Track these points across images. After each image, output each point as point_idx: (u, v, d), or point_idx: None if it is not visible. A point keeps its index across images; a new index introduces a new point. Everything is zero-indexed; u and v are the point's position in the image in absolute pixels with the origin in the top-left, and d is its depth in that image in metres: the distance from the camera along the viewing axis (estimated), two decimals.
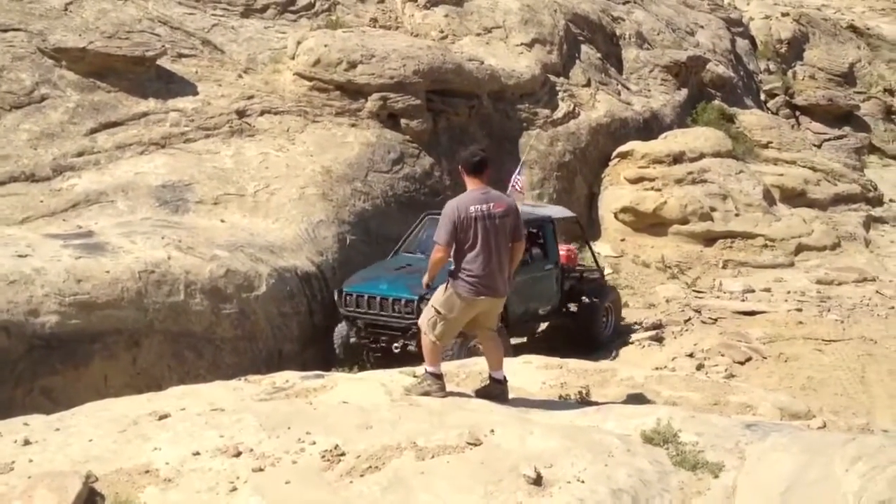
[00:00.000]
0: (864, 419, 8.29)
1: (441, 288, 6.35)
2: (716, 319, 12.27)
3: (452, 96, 14.83)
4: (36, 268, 7.78)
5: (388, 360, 9.52)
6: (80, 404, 6.19)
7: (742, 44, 26.32)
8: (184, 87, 12.73)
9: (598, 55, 19.66)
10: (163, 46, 12.98)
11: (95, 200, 10.38)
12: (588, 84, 18.39)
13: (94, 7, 13.47)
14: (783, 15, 28.97)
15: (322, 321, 10.34)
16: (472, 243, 6.21)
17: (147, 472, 4.62)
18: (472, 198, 6.25)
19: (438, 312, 6.32)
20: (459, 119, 14.79)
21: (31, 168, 10.60)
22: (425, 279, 6.48)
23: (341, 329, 10.07)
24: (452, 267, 6.29)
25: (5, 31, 12.11)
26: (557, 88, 17.40)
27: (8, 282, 7.45)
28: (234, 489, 4.45)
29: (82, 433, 5.21)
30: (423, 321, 6.42)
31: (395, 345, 9.74)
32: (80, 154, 11.06)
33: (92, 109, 11.71)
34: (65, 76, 11.92)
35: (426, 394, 6.43)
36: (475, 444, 5.08)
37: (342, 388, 6.64)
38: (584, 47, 19.42)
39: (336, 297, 10.06)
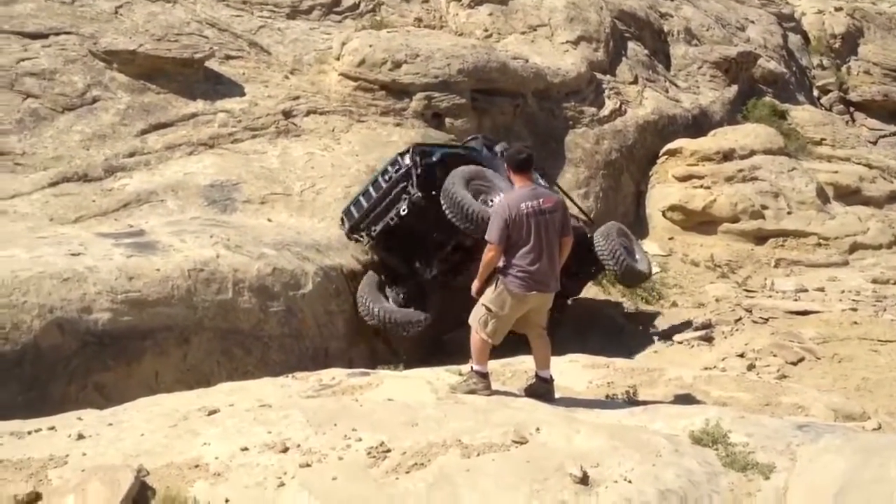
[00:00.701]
0: None
1: (490, 287, 6.34)
2: (767, 319, 12.06)
3: (497, 95, 14.79)
4: (89, 266, 7.91)
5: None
6: (131, 400, 6.30)
7: (794, 39, 25.88)
8: (231, 88, 12.88)
9: (646, 52, 19.48)
10: (211, 48, 13.14)
11: (146, 200, 10.53)
12: (635, 81, 18.23)
13: (144, 10, 13.69)
14: (836, 9, 28.38)
15: None
16: (525, 240, 6.21)
17: (197, 466, 4.68)
18: (521, 195, 6.26)
19: (489, 310, 6.32)
20: (504, 118, 14.75)
21: (83, 168, 10.79)
22: (476, 284, 6.44)
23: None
24: (502, 264, 6.28)
25: (57, 34, 12.35)
26: (604, 86, 17.27)
27: (62, 279, 7.57)
28: (282, 484, 4.49)
29: (134, 428, 5.30)
30: (474, 319, 6.41)
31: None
32: (131, 154, 11.23)
33: (142, 111, 11.89)
34: (115, 78, 12.12)
35: (472, 392, 6.43)
36: (521, 443, 5.06)
37: (388, 385, 6.66)
38: (630, 44, 19.26)
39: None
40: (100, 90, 11.90)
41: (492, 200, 9.50)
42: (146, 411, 5.75)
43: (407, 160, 10.16)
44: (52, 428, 5.34)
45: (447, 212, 9.43)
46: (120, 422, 5.48)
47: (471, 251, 9.40)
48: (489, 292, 6.34)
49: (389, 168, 10.46)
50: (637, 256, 11.92)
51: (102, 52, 12.20)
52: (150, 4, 13.88)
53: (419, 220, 9.96)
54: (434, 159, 10.20)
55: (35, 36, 12.21)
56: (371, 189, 10.55)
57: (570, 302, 12.13)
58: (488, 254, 6.24)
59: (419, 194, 9.85)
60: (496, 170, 10.09)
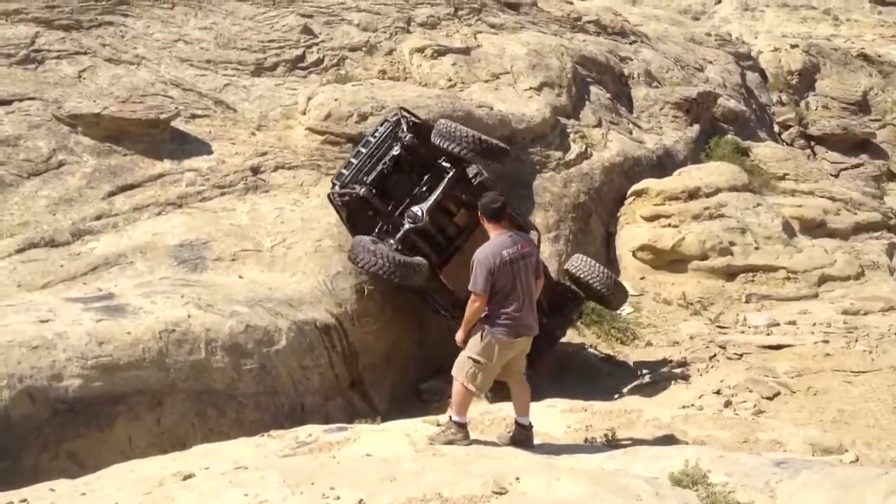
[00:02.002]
0: None
1: (476, 337, 6.35)
2: (741, 355, 12.13)
3: None
4: (58, 332, 7.81)
5: None
6: (105, 466, 6.22)
7: (752, 77, 26.40)
8: (198, 146, 12.87)
9: (608, 95, 19.75)
10: (176, 108, 13.15)
11: (115, 262, 10.43)
12: (599, 124, 18.46)
13: (107, 73, 13.70)
14: (792, 47, 29.07)
15: (343, 373, 10.32)
16: (510, 287, 6.27)
17: None
18: (501, 242, 6.34)
19: (478, 362, 6.33)
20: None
21: (50, 233, 10.69)
22: (460, 335, 6.47)
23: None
24: (485, 314, 6.31)
25: (21, 100, 12.31)
26: (568, 130, 17.47)
27: (31, 347, 7.47)
28: None
29: (108, 497, 5.22)
30: (460, 372, 6.40)
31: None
32: (98, 217, 11.15)
33: (109, 173, 11.84)
34: (81, 142, 12.07)
35: (450, 442, 6.41)
36: (501, 493, 5.03)
37: (365, 439, 6.63)
38: (593, 88, 19.53)
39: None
40: (65, 154, 11.84)
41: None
42: (120, 478, 5.67)
43: (394, 117, 11.14)
44: (24, 501, 5.26)
45: (446, 142, 10.15)
46: (93, 490, 5.40)
47: (464, 206, 10.43)
48: (475, 344, 6.35)
49: (379, 128, 11.36)
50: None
51: (67, 116, 12.17)
52: (113, 67, 13.89)
53: (410, 165, 10.64)
54: (418, 120, 11.07)
55: None
56: (361, 149, 11.28)
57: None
58: (473, 304, 6.28)
59: (411, 135, 10.55)
60: None
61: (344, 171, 11.33)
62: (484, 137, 10.35)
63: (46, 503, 5.16)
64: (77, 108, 12.29)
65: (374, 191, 10.70)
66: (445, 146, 10.19)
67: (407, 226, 10.37)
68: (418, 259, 10.19)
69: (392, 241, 10.40)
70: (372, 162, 10.82)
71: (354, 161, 11.18)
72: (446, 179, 10.38)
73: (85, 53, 13.91)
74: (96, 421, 7.49)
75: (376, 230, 10.75)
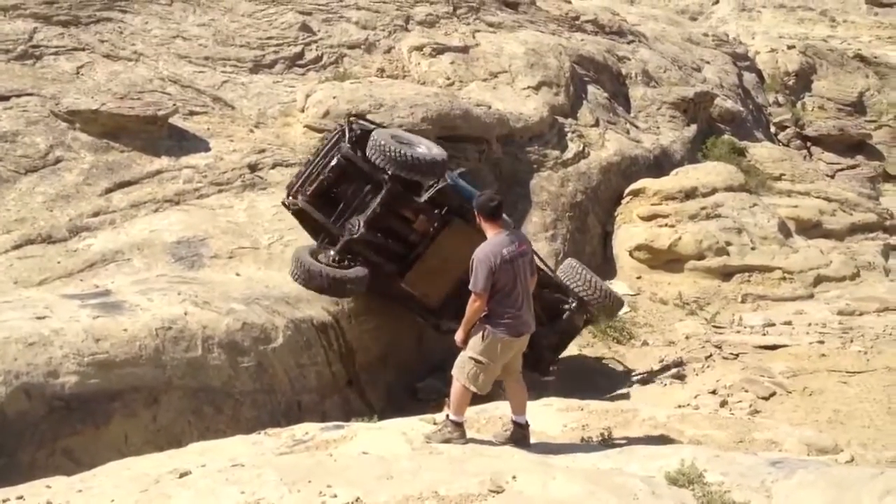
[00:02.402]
0: (893, 451, 8.16)
1: (477, 337, 6.36)
2: (737, 355, 12.14)
3: (461, 142, 14.91)
4: (55, 329, 7.79)
5: None
6: (101, 464, 6.22)
7: (749, 77, 26.44)
8: (196, 143, 12.87)
9: (606, 95, 19.78)
10: (174, 105, 13.15)
11: (112, 259, 10.44)
12: (596, 124, 18.48)
13: (105, 69, 13.70)
14: (789, 48, 29.13)
15: (340, 371, 10.33)
16: (510, 285, 6.30)
17: None
18: (500, 241, 6.36)
19: (479, 362, 6.33)
20: (469, 164, 14.82)
21: (47, 230, 10.70)
22: (460, 335, 6.47)
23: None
24: (485, 313, 6.32)
25: (18, 96, 12.31)
26: (566, 129, 17.49)
27: (27, 344, 7.46)
28: None
29: (104, 494, 5.22)
30: (461, 373, 6.40)
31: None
32: (95, 214, 11.15)
33: (106, 170, 11.84)
34: (78, 138, 12.07)
35: (447, 441, 6.42)
36: (497, 492, 5.04)
37: (362, 438, 6.63)
38: (590, 88, 19.55)
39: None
40: (63, 150, 11.84)
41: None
42: (116, 476, 5.67)
43: (342, 126, 10.66)
44: (21, 498, 5.25)
45: (375, 155, 9.84)
46: (89, 488, 5.40)
47: (406, 221, 10.16)
48: (476, 344, 6.35)
49: (327, 136, 11.14)
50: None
51: (64, 113, 12.17)
52: (111, 63, 13.90)
53: (349, 177, 10.26)
54: (368, 130, 10.52)
55: None
56: (311, 157, 11.10)
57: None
58: (474, 303, 6.29)
59: (349, 146, 10.14)
60: None
61: (293, 179, 11.07)
62: (413, 155, 9.91)
63: (43, 500, 5.15)
64: (75, 104, 12.29)
65: (312, 201, 10.41)
66: (375, 160, 9.91)
67: (345, 237, 10.13)
68: (354, 272, 9.99)
69: (332, 253, 10.21)
70: (316, 171, 10.50)
71: (303, 169, 10.95)
72: (384, 191, 9.98)
73: (83, 49, 13.92)
74: (93, 418, 7.47)
75: (318, 241, 10.64)
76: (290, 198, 10.80)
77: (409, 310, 11.01)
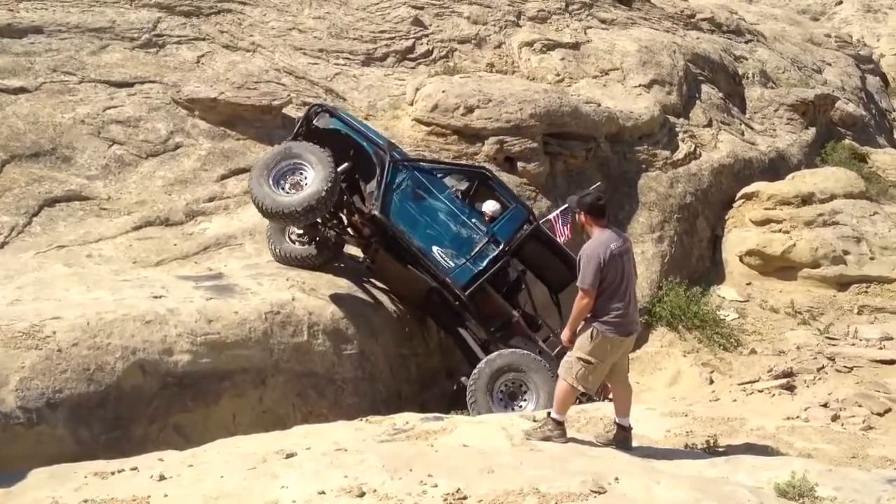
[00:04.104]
0: None
1: (585, 336, 6.25)
2: (851, 368, 11.66)
3: (569, 139, 14.76)
4: (170, 308, 8.07)
5: None
6: (210, 441, 6.39)
7: (873, 81, 25.46)
8: None
9: (720, 95, 19.31)
10: (288, 95, 13.43)
11: (225, 244, 10.75)
12: (709, 124, 18.06)
13: (224, 59, 14.09)
14: None
15: (440, 363, 10.38)
16: (618, 282, 6.20)
17: None
18: (608, 237, 6.28)
19: (588, 363, 6.23)
20: (576, 162, 14.71)
21: (165, 213, 11.08)
22: (566, 333, 6.39)
23: None
24: (596, 311, 6.22)
25: (142, 83, 12.78)
26: (677, 129, 17.14)
27: (144, 321, 7.73)
28: None
29: (214, 469, 5.37)
30: (568, 374, 6.30)
31: None
32: (210, 199, 11.50)
33: (222, 156, 12.19)
34: (197, 125, 12.46)
35: (547, 438, 6.36)
36: (599, 493, 4.97)
37: (462, 430, 6.63)
38: (704, 87, 19.12)
39: None
40: (182, 137, 12.24)
41: (303, 179, 9.34)
42: (225, 453, 5.82)
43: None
44: (135, 469, 5.44)
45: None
46: (200, 463, 5.56)
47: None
48: (584, 343, 6.24)
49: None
50: None
51: (185, 100, 12.57)
52: (230, 53, 14.28)
53: None
54: (330, 126, 10.00)
55: (121, 85, 12.64)
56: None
57: None
58: (582, 301, 6.17)
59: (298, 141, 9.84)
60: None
61: None
62: (268, 205, 9.15)
63: (156, 472, 5.33)
64: (195, 92, 12.68)
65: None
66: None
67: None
68: (307, 249, 10.10)
69: (298, 233, 10.30)
70: None
71: None
72: None
73: (204, 39, 14.34)
74: (203, 396, 7.72)
75: None
76: None
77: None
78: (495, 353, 9.15)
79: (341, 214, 10.21)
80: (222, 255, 10.48)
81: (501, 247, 9.62)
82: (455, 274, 9.52)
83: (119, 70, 12.89)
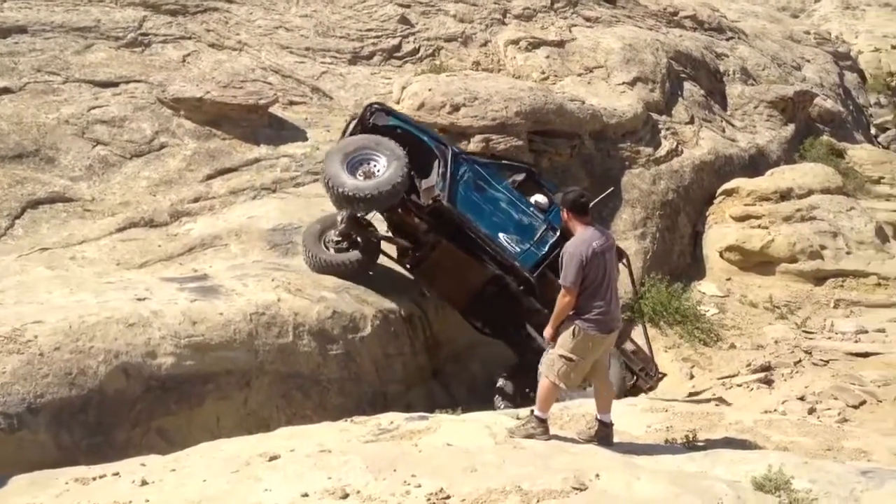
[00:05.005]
0: None
1: (567, 333, 6.36)
2: (828, 361, 11.85)
3: (554, 136, 14.85)
4: (154, 310, 8.05)
5: None
6: (193, 444, 6.43)
7: (851, 77, 25.69)
8: (294, 133, 13.17)
9: (702, 92, 19.46)
10: (275, 94, 13.46)
11: (210, 244, 10.76)
12: (691, 121, 18.20)
13: (210, 58, 14.11)
14: (893, 47, 28.21)
15: (425, 362, 10.45)
16: (599, 280, 6.29)
17: None
18: (590, 235, 6.37)
19: (570, 359, 6.33)
20: (561, 159, 14.81)
21: (150, 214, 11.10)
22: (549, 331, 6.49)
23: None
24: (577, 308, 6.32)
25: (127, 82, 12.79)
26: (660, 126, 17.27)
27: (127, 324, 7.71)
28: None
29: (196, 473, 5.42)
30: (550, 371, 6.41)
31: None
32: (195, 200, 11.53)
33: (208, 157, 12.22)
34: (182, 125, 12.48)
35: (530, 436, 6.45)
36: (580, 489, 5.07)
37: (446, 429, 6.71)
38: (686, 84, 19.27)
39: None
40: (167, 137, 12.27)
41: (375, 168, 9.78)
42: (208, 457, 5.87)
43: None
44: (117, 474, 5.48)
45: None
46: (182, 468, 5.61)
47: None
48: (566, 341, 6.34)
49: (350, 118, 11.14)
50: None
51: (170, 100, 12.59)
52: (216, 52, 14.31)
53: None
54: (388, 123, 10.35)
55: (106, 84, 12.65)
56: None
57: None
58: (564, 298, 6.28)
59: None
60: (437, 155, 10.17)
61: None
62: (345, 191, 9.57)
63: (138, 477, 5.37)
64: (180, 91, 12.71)
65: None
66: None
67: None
68: (347, 256, 10.13)
69: (335, 237, 10.34)
70: None
71: None
72: None
73: (189, 38, 14.36)
74: (187, 399, 7.70)
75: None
76: None
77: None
78: None
79: (398, 210, 10.36)
80: (207, 256, 10.50)
81: (558, 234, 9.92)
82: (522, 257, 9.99)
83: (104, 70, 12.90)
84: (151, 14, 14.39)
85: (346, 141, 10.22)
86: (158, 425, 7.49)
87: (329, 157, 9.93)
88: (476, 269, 10.07)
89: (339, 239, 10.30)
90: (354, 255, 10.23)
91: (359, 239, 10.31)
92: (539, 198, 10.41)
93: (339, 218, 10.28)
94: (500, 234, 10.00)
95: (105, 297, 8.26)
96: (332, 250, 10.28)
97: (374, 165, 9.78)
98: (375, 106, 10.57)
